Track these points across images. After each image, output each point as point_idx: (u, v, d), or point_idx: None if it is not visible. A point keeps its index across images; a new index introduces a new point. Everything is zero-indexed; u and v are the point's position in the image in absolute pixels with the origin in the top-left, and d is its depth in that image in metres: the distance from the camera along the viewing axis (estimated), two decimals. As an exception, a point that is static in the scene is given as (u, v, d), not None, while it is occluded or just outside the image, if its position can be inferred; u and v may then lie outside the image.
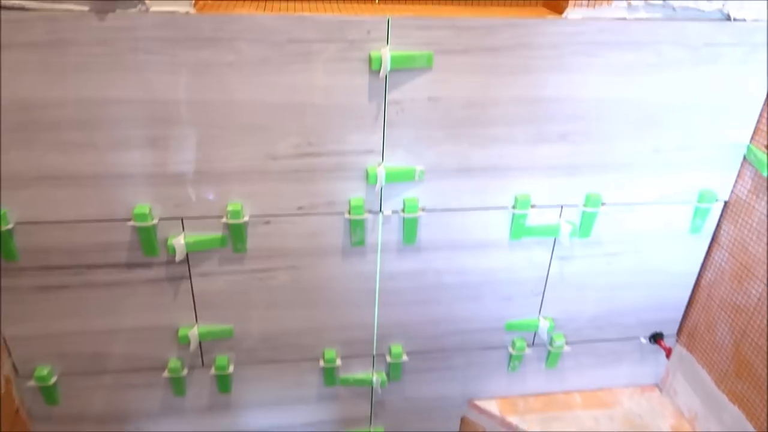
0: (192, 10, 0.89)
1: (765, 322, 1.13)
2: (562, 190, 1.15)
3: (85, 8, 0.87)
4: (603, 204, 1.18)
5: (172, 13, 0.88)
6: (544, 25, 0.97)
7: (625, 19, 0.99)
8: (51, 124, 0.94)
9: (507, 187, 1.13)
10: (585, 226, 1.20)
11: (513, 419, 1.41)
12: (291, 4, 1.00)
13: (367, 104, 1.00)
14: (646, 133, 1.11)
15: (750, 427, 1.19)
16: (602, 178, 1.15)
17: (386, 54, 0.93)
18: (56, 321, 1.16)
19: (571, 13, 0.97)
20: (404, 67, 0.96)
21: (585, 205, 1.17)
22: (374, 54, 0.94)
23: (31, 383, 1.21)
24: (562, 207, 1.18)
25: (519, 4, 1.11)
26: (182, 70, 0.92)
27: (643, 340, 1.42)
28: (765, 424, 1.14)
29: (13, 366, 1.20)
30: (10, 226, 1.02)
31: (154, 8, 0.88)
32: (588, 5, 0.97)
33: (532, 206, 1.16)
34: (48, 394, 1.24)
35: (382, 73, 0.95)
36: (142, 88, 0.93)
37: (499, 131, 1.06)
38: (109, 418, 1.32)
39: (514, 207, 1.15)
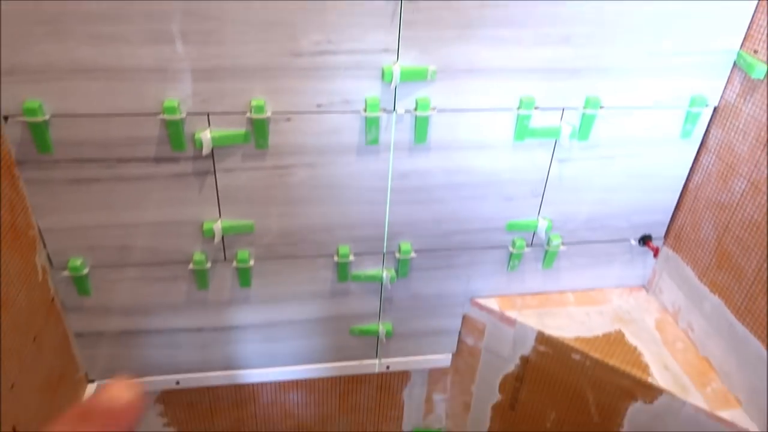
0: None
1: (746, 215, 1.23)
2: (563, 93, 1.22)
3: None
4: (601, 107, 1.25)
5: None
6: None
7: None
8: (84, 16, 0.99)
9: (512, 89, 1.20)
10: (584, 129, 1.28)
11: (511, 314, 1.52)
12: None
13: (384, 4, 1.05)
14: (643, 38, 1.17)
15: (728, 313, 1.31)
16: (601, 82, 1.22)
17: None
18: (87, 214, 1.23)
19: None
20: (421, -36, 1.01)
21: (585, 108, 1.24)
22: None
23: (65, 273, 1.30)
24: (563, 109, 1.25)
25: None
26: (210, -38, 0.97)
27: (633, 242, 1.52)
28: (741, 308, 1.26)
29: (48, 257, 1.28)
30: (45, 118, 1.08)
31: None
32: None
33: (536, 108, 1.23)
34: (80, 284, 1.33)
35: (400, -31, 1.00)
36: (172, -20, 0.98)
37: (507, 32, 1.12)
38: (136, 310, 1.42)
39: (518, 108, 1.22)
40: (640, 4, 1.13)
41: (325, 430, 1.87)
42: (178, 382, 1.59)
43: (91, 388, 1.54)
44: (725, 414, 1.28)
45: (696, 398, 1.32)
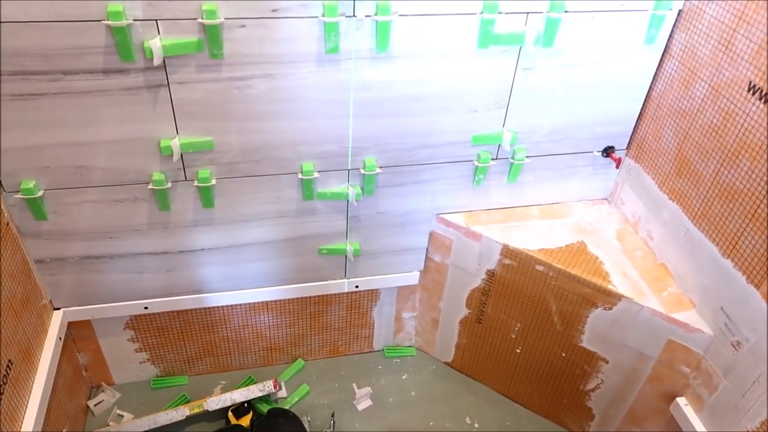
0: None
1: (706, 119, 1.24)
2: (528, -4, 1.19)
3: None
4: (566, 11, 1.22)
5: None
6: None
7: None
8: None
9: (476, -9, 1.16)
10: (548, 34, 1.25)
11: (477, 229, 1.54)
12: None
13: None
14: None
15: (685, 219, 1.34)
16: (567, -17, 1.19)
17: None
18: (37, 132, 1.18)
19: None
20: None
21: (549, 11, 1.22)
22: None
23: (18, 196, 1.25)
24: (527, 14, 1.22)
25: None
26: None
27: (596, 154, 1.54)
28: (698, 213, 1.29)
29: (-1, 180, 1.23)
30: (-20, 25, 1.01)
31: None
32: None
33: (499, 12, 1.20)
34: (35, 208, 1.29)
35: None
36: None
37: (471, -72, 1.07)
38: (97, 234, 1.38)
39: (482, 12, 1.19)
40: None
41: (297, 351, 1.90)
42: (146, 308, 1.58)
43: (57, 316, 1.52)
44: (680, 316, 1.33)
45: (652, 302, 1.37)
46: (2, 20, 1.02)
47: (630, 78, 1.39)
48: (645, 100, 1.44)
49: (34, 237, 1.35)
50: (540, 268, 1.48)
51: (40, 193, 1.26)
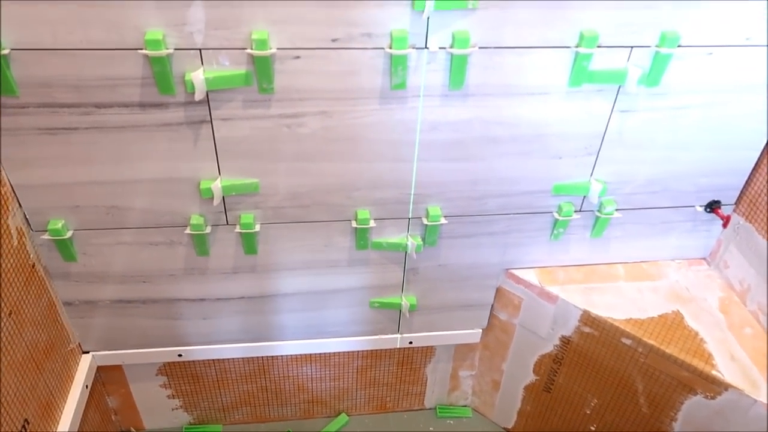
0: None
1: None
2: (634, 27, 1.00)
3: None
4: (680, 45, 1.02)
5: None
6: None
7: None
8: None
9: (572, 21, 0.98)
10: (655, 72, 1.05)
11: (552, 289, 1.34)
12: None
13: None
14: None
15: (815, 296, 1.10)
16: (682, 13, 0.99)
17: None
18: (67, 169, 1.06)
19: None
20: None
21: (659, 45, 1.02)
22: None
23: (45, 237, 1.14)
24: (631, 48, 1.03)
25: None
26: None
27: (699, 209, 1.31)
28: (835, 291, 1.06)
29: (25, 217, 1.12)
30: (5, 52, 0.90)
31: None
32: None
33: (599, 46, 1.01)
34: (64, 249, 1.17)
35: None
36: None
37: (572, -54, 0.89)
38: (130, 278, 1.26)
39: (577, 45, 1.00)
40: None
41: (341, 405, 1.73)
42: (180, 355, 1.45)
43: (86, 360, 1.40)
44: (803, 412, 1.09)
45: (768, 394, 1.13)
46: (30, 47, 0.90)
47: (747, 123, 1.17)
48: (764, 148, 1.21)
49: (62, 278, 1.24)
50: (627, 341, 1.26)
51: (69, 234, 1.14)
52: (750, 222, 1.28)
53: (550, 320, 1.37)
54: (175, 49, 0.93)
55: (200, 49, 0.94)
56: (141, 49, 0.92)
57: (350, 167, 1.13)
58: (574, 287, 1.35)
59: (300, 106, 1.02)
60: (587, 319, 1.30)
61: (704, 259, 1.44)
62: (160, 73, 0.94)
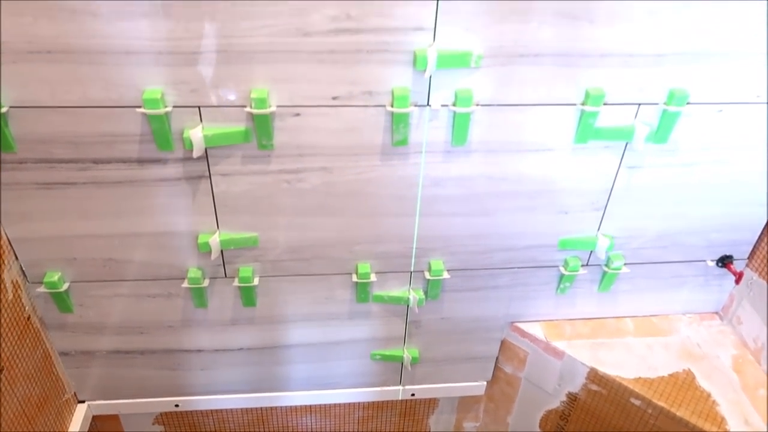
0: None
1: None
2: (641, 84, 0.98)
3: None
4: (688, 103, 1.00)
5: None
6: None
7: None
8: (40, -19, 0.79)
9: (578, 79, 0.96)
10: (663, 129, 1.03)
11: (558, 344, 1.30)
12: None
13: (420, -34, 0.82)
14: (750, 15, 0.92)
15: (834, 361, 1.06)
16: (691, 71, 0.97)
17: None
18: (63, 222, 1.05)
19: None
20: None
21: (667, 104, 1.00)
22: None
23: (41, 289, 1.12)
24: (639, 105, 1.01)
25: None
26: None
27: (710, 263, 1.28)
28: None
29: (21, 270, 1.11)
30: (3, 110, 0.89)
31: None
32: None
33: (605, 104, 0.99)
34: (60, 301, 1.15)
35: (440, -77, 0.77)
36: (147, -63, 0.76)
37: (577, 6, 0.88)
38: (128, 329, 1.23)
39: (583, 103, 0.98)
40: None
41: (342, 456, 1.68)
42: (177, 405, 1.42)
43: (81, 409, 1.37)
44: (824, 481, 1.04)
45: (787, 460, 1.08)
46: (28, 105, 0.90)
47: (759, 179, 1.14)
48: (777, 205, 1.18)
49: (59, 329, 1.22)
50: (636, 402, 1.21)
51: (65, 287, 1.13)
52: (763, 278, 1.24)
53: (556, 376, 1.33)
54: (174, 106, 0.92)
55: (199, 107, 0.93)
56: (139, 107, 0.91)
57: (351, 222, 1.10)
58: (581, 342, 1.30)
59: (300, 162, 1.01)
60: (595, 376, 1.26)
61: (717, 313, 1.39)
62: (158, 130, 0.93)
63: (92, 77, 0.88)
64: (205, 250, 1.09)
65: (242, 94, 0.92)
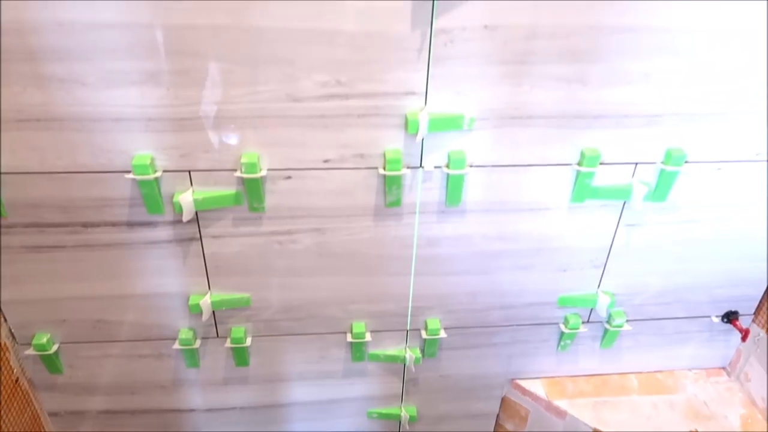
0: None
1: None
2: (638, 144, 0.97)
3: None
4: (686, 162, 0.98)
5: None
6: (636, -68, 0.76)
7: (740, -77, 0.78)
8: (28, 53, 0.78)
9: (572, 140, 0.95)
10: (661, 188, 1.01)
11: (560, 403, 1.26)
12: None
13: (410, 33, 0.81)
14: (750, 74, 0.91)
15: None
16: (688, 130, 0.96)
17: (435, -32, 0.75)
18: (53, 285, 1.03)
19: None
20: (456, -14, 0.78)
21: (665, 163, 0.98)
22: (420, -32, 0.75)
23: (30, 351, 1.10)
24: (636, 164, 0.99)
25: None
26: (184, -13, 0.75)
27: (715, 319, 1.24)
28: None
29: (10, 332, 1.09)
30: (-8, 176, 0.88)
31: None
32: None
33: (601, 163, 0.98)
34: (49, 362, 1.13)
35: (429, -7, 0.77)
36: (134, 10, 0.76)
37: (569, 69, 0.87)
38: (119, 389, 1.21)
39: (579, 164, 0.97)
40: (753, 29, 0.86)
41: None
42: (169, 465, 1.37)
43: (70, 469, 1.33)
44: None
45: None
46: (18, 171, 0.89)
47: (761, 235, 1.11)
48: (781, 261, 1.15)
49: (48, 390, 1.19)
50: (644, 465, 1.17)
51: (54, 348, 1.11)
52: (771, 334, 1.20)
53: (560, 436, 1.29)
54: (164, 171, 0.91)
55: (189, 171, 0.92)
56: (129, 171, 0.90)
57: (345, 282, 1.08)
58: (583, 401, 1.26)
59: (292, 223, 0.99)
60: (599, 438, 1.21)
61: (723, 369, 1.35)
62: (148, 194, 0.92)
63: (81, 143, 0.87)
64: (196, 311, 1.06)
65: (233, 157, 0.91)
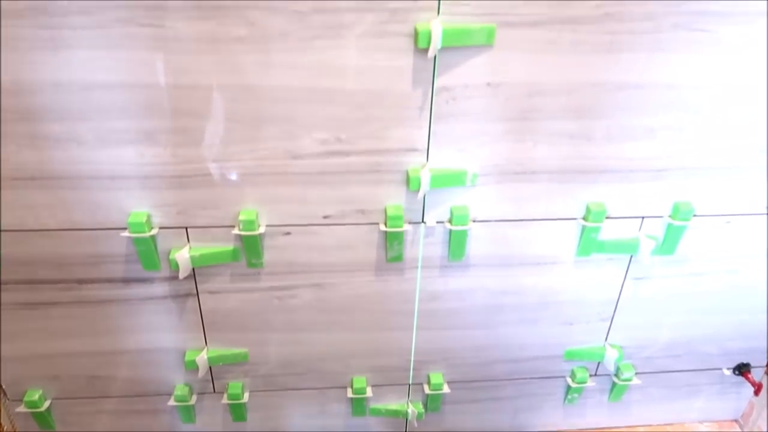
0: (193, -29, 0.71)
1: None
2: (644, 198, 0.95)
3: (60, -32, 0.69)
4: (695, 215, 0.96)
5: (169, -26, 0.70)
6: (640, -9, 0.76)
7: (745, -18, 0.77)
8: (24, 113, 0.77)
9: (577, 195, 0.93)
10: (669, 242, 0.99)
11: (569, 459, 1.21)
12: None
13: (411, 91, 0.80)
14: (756, 129, 0.89)
15: None
16: (695, 184, 0.94)
17: (436, 27, 0.74)
18: (46, 341, 1.01)
19: (675, -26, 0.76)
20: (458, 45, 0.77)
21: (672, 217, 0.96)
22: (421, 27, 0.74)
23: (21, 408, 1.07)
24: (643, 218, 0.97)
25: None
26: (181, 46, 0.74)
27: (726, 372, 1.21)
28: None
29: (2, 388, 1.06)
30: (-15, 235, 0.87)
31: (145, -31, 0.70)
32: (697, -36, 0.76)
33: (607, 218, 0.95)
34: (41, 419, 1.10)
35: (430, 53, 0.76)
36: (132, 70, 0.75)
37: (573, 125, 0.86)
38: (111, 446, 1.17)
39: (585, 218, 0.95)
40: (757, 85, 0.85)
41: None
42: None
43: None
44: None
45: None
46: (12, 229, 0.87)
47: (773, 287, 1.09)
48: (794, 313, 1.12)
49: (38, 446, 1.15)
50: None
51: (46, 405, 1.07)
52: (785, 388, 1.17)
53: (568, 493, 1.24)
54: (161, 228, 0.89)
55: (186, 228, 0.90)
56: (125, 228, 0.88)
57: (346, 336, 1.06)
58: (593, 457, 1.22)
59: (291, 279, 0.97)
60: (610, 497, 1.17)
61: (736, 421, 1.31)
62: (144, 252, 0.90)
63: (77, 201, 0.85)
64: (192, 367, 1.04)
65: (231, 214, 0.89)
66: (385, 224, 0.91)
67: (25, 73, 0.74)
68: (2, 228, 0.87)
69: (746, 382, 1.22)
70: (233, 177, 0.86)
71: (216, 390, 1.11)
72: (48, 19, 0.71)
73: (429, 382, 1.13)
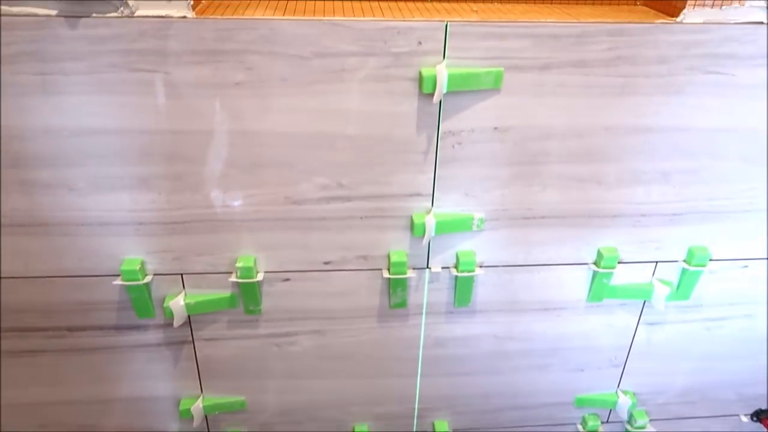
0: (190, 14, 0.68)
1: None
2: (658, 243, 0.91)
3: (53, 12, 0.66)
4: (711, 260, 0.93)
5: (164, 18, 0.68)
6: (653, 32, 0.73)
7: (762, 23, 0.74)
8: (13, 159, 0.74)
9: (588, 239, 0.89)
10: (684, 287, 0.95)
11: None
12: (317, 4, 0.78)
13: (415, 136, 0.77)
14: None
15: None
16: (710, 228, 0.90)
17: (442, 72, 0.71)
18: (34, 389, 0.97)
19: (689, 15, 0.73)
20: (464, 89, 0.74)
21: (687, 262, 0.92)
22: (426, 72, 0.71)
23: (7, 459, 1.02)
24: (656, 263, 0.93)
25: (614, 2, 0.87)
26: (178, 92, 0.71)
27: (744, 419, 1.16)
28: None
29: (-13, 438, 1.01)
30: (-29, 282, 0.83)
31: (140, 12, 0.67)
32: (711, 5, 0.73)
33: (620, 263, 0.92)
34: (28, 470, 1.05)
35: (435, 97, 0.73)
36: (126, 116, 0.72)
37: (583, 170, 0.82)
38: (101, 496, 1.12)
39: (596, 264, 0.91)
40: (764, 129, 0.82)
41: None
42: None
43: None
44: None
45: None
46: (2, 275, 0.84)
47: (792, 332, 1.04)
48: (814, 359, 1.08)
49: (26, 496, 1.10)
50: None
51: (33, 456, 1.02)
52: (806, 437, 1.11)
53: None
54: (155, 274, 0.86)
55: (182, 274, 0.86)
56: (117, 275, 0.84)
57: (347, 383, 1.01)
58: (606, 508, 1.16)
59: (290, 325, 0.93)
60: None
61: (755, 468, 1.25)
62: (137, 299, 0.86)
63: (67, 248, 0.82)
64: (186, 416, 0.99)
65: (228, 260, 0.86)
66: (389, 270, 0.87)
67: (15, 119, 0.71)
68: (-9, 275, 0.84)
69: (765, 429, 1.17)
70: (236, 203, 0.83)
71: (211, 439, 1.06)
72: (40, 64, 0.68)
73: (434, 430, 1.08)
